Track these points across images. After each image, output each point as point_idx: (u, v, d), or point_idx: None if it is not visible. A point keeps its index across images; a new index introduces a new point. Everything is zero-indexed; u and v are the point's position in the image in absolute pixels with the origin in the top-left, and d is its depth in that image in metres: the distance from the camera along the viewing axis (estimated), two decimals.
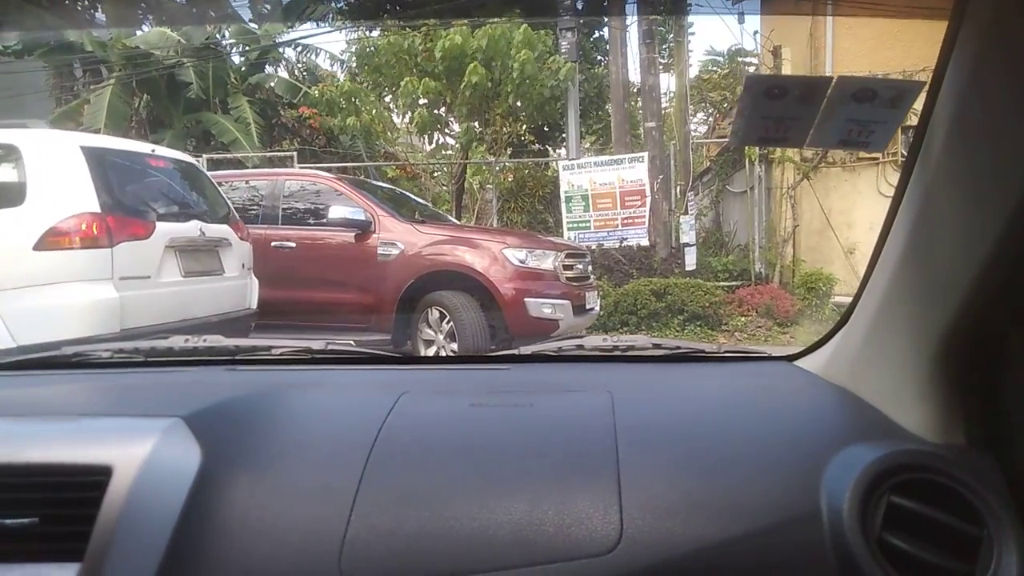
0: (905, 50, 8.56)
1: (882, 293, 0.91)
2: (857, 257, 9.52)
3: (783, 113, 0.82)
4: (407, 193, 8.10)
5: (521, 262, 5.57)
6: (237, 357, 1.36)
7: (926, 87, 0.74)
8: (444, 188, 12.44)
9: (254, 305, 5.21)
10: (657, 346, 1.37)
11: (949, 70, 0.68)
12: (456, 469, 0.89)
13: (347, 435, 0.97)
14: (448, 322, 5.44)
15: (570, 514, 0.82)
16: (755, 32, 13.77)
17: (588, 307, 6.10)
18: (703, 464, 0.88)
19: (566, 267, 5.83)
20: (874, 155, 9.06)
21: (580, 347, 1.38)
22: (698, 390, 1.14)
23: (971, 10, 0.63)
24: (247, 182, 6.58)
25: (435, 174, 13.21)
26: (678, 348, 1.38)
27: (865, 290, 0.98)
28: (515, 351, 1.42)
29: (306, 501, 0.86)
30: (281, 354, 1.35)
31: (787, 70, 9.48)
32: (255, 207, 6.30)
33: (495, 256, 5.56)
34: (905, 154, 1.08)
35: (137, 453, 0.84)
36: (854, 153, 9.04)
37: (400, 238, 5.74)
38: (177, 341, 1.40)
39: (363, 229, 5.76)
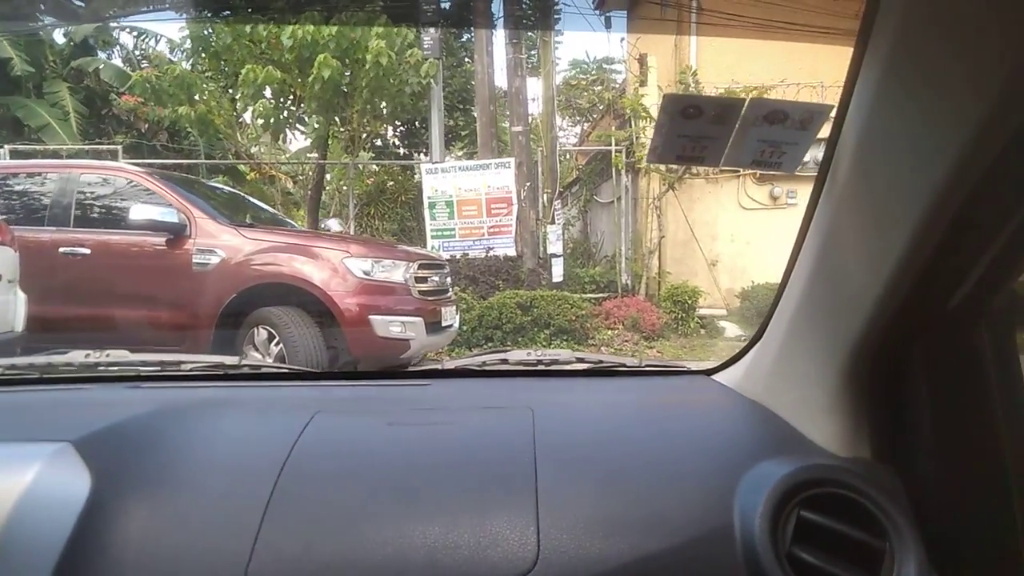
0: (766, 65, 8.67)
1: (793, 309, 0.93)
2: (719, 269, 9.58)
3: (699, 132, 0.84)
4: (242, 194, 7.15)
5: (366, 274, 4.86)
6: (142, 373, 1.32)
7: (834, 110, 0.75)
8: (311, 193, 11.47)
9: (19, 327, 4.14)
10: (580, 360, 1.39)
11: (855, 93, 0.69)
12: (370, 492, 0.87)
13: (255, 457, 0.94)
14: (278, 343, 4.63)
15: (487, 536, 0.81)
16: (622, 39, 13.85)
17: (445, 324, 5.48)
18: (622, 480, 0.88)
19: (420, 279, 5.19)
20: (735, 168, 9.12)
21: (504, 361, 1.38)
22: (619, 405, 1.15)
23: (876, 34, 0.62)
24: (29, 175, 5.42)
25: (298, 177, 12.19)
26: (600, 362, 1.40)
27: (778, 306, 1.00)
28: (437, 366, 1.43)
29: (208, 529, 0.83)
30: (191, 370, 1.32)
31: (653, 79, 9.40)
32: (39, 205, 5.17)
33: (335, 267, 4.82)
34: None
35: (16, 483, 0.80)
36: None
37: (221, 244, 4.85)
38: (77, 356, 1.34)
39: (175, 233, 4.83)
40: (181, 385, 1.28)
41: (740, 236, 9.49)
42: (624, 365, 1.40)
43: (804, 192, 9.49)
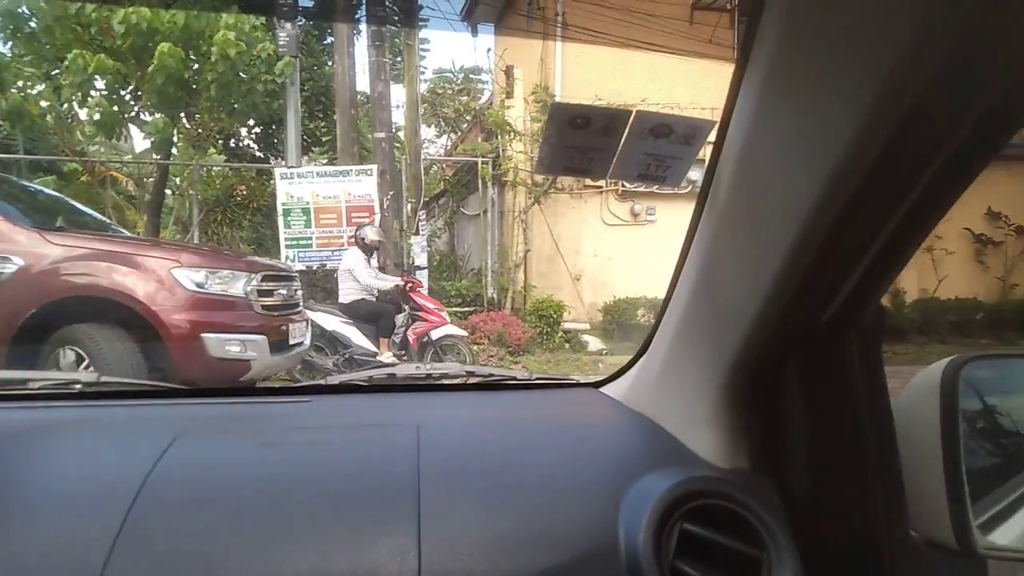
0: (627, 84, 8.88)
1: (676, 323, 0.94)
2: (583, 284, 9.67)
3: (587, 144, 0.83)
4: (63, 197, 6.28)
5: (199, 286, 4.33)
6: None
7: (717, 125, 0.76)
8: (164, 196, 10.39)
9: None
10: (470, 374, 1.38)
11: (735, 110, 0.70)
12: (236, 522, 0.80)
13: (104, 486, 0.84)
14: (88, 366, 4.00)
15: (364, 564, 0.77)
16: (488, 50, 13.78)
17: (294, 342, 5.02)
18: (508, 498, 0.86)
19: (264, 292, 4.71)
20: (598, 183, 9.29)
21: (391, 376, 1.37)
22: (507, 420, 1.14)
23: (755, 51, 0.63)
24: None
25: (146, 179, 11.04)
26: (491, 376, 1.39)
27: (662, 320, 1.01)
28: (321, 381, 1.38)
29: (46, 568, 0.75)
30: (40, 388, 1.19)
31: (519, 90, 9.36)
32: None
33: (162, 278, 4.25)
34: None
35: None
36: (580, 180, 9.18)
37: (19, 250, 4.14)
38: None
39: None
40: (28, 405, 1.14)
41: (603, 251, 9.64)
42: (514, 379, 1.40)
43: (663, 209, 9.81)
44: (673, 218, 9.76)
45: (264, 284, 4.72)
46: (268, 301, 4.73)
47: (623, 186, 9.37)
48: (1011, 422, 0.91)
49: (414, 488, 0.85)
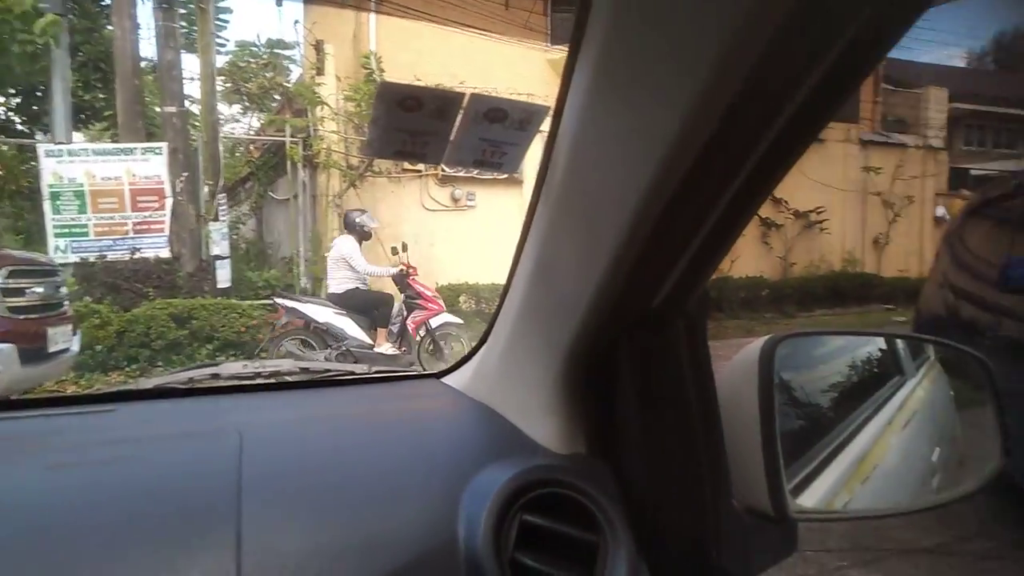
0: (442, 66, 8.66)
1: (515, 311, 0.94)
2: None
3: (419, 127, 0.79)
4: None
5: None
6: None
7: (551, 111, 0.76)
8: None
9: None
10: (304, 371, 1.31)
11: (569, 95, 0.69)
12: (13, 562, 0.69)
13: None
14: None
15: None
16: (296, 22, 12.91)
17: (55, 349, 4.27)
18: (340, 503, 0.80)
19: (11, 292, 3.93)
20: (416, 167, 9.02)
21: (215, 376, 1.27)
22: (341, 418, 1.06)
23: (587, 36, 0.62)
24: None
25: None
26: (327, 371, 1.32)
27: (501, 308, 1.01)
28: (128, 386, 1.23)
29: None
30: None
31: (330, 67, 8.82)
32: None
33: None
34: None
35: None
36: (399, 164, 8.86)
37: None
38: None
39: None
40: None
41: (424, 237, 9.39)
42: (352, 373, 1.32)
43: (483, 195, 9.76)
44: (493, 203, 9.75)
45: (11, 281, 3.94)
46: (17, 301, 3.96)
47: (443, 170, 9.18)
48: (818, 392, 0.98)
49: (234, 503, 0.78)
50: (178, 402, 1.15)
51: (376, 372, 1.32)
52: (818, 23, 0.51)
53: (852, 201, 13.04)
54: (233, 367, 1.28)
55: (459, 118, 0.79)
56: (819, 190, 12.61)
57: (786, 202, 12.25)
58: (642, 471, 0.87)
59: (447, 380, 1.21)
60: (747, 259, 12.04)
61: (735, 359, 0.88)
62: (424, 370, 1.35)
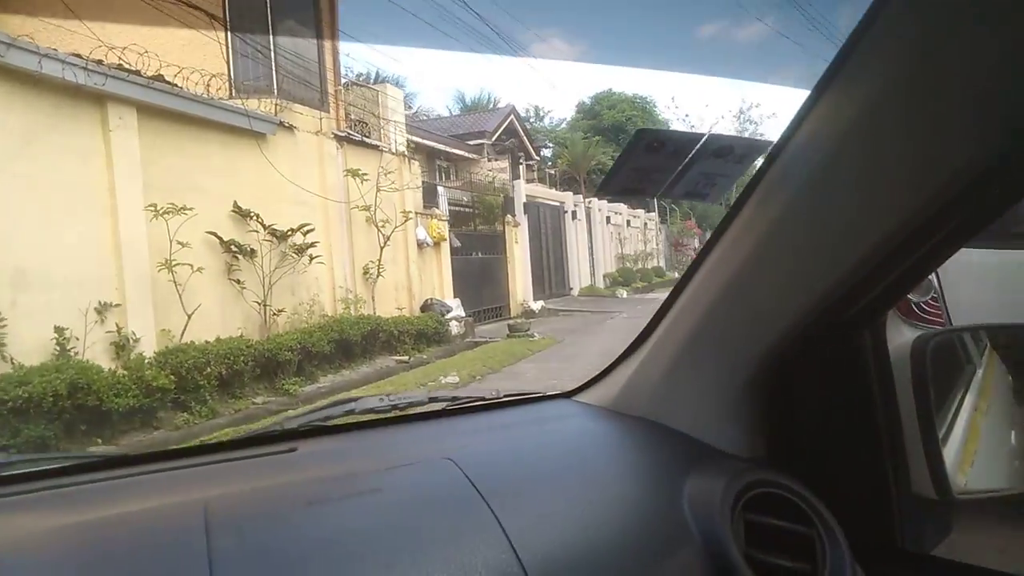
0: None
1: (691, 325, 0.99)
2: None
3: (651, 165, 0.86)
4: None
5: None
6: None
7: (771, 147, 0.81)
8: None
9: None
10: (433, 399, 1.30)
11: (799, 133, 0.76)
12: None
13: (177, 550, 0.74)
14: None
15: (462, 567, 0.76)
16: None
17: None
18: (581, 513, 0.87)
19: None
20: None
21: (350, 411, 1.22)
22: (519, 440, 1.12)
23: (836, 84, 0.69)
24: None
25: None
26: (455, 399, 1.31)
27: (663, 323, 1.06)
28: (275, 428, 1.19)
29: None
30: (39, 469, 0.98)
31: None
32: None
33: None
34: None
35: None
36: None
37: None
38: None
39: None
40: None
41: None
42: (483, 399, 1.31)
43: None
44: None
45: None
46: None
47: None
48: (964, 386, 1.11)
49: (490, 515, 0.83)
50: (340, 438, 1.14)
51: (505, 397, 1.31)
52: None
53: (336, 217, 9.52)
54: (370, 401, 1.23)
55: (690, 156, 0.85)
56: (299, 202, 8.68)
57: (258, 216, 7.88)
58: (828, 470, 0.94)
59: (582, 399, 1.26)
60: (209, 308, 7.22)
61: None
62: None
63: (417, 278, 11.19)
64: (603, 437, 1.11)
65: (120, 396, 5.41)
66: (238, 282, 7.56)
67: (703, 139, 0.84)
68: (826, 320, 0.84)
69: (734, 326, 0.93)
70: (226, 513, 0.80)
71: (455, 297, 12.06)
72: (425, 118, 25.76)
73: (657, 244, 28.24)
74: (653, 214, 28.43)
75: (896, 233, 0.69)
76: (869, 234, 0.71)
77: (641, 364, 1.11)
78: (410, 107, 20.84)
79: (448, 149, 21.51)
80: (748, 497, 0.85)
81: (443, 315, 10.77)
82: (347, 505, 0.84)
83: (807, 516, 0.84)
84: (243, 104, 8.10)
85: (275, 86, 8.80)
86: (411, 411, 1.23)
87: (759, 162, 0.84)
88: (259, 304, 7.80)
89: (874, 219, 0.70)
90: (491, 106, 31.46)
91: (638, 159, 0.84)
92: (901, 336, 0.97)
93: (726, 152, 0.85)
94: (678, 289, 1.00)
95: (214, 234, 7.32)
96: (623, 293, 19.52)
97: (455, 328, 10.74)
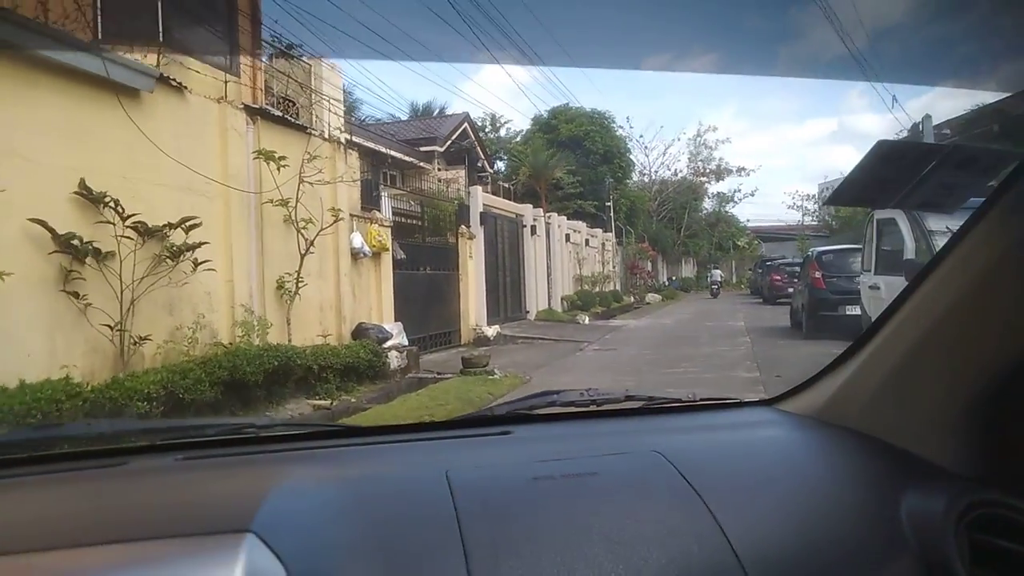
0: None
1: (915, 338, 0.96)
2: None
3: (888, 176, 0.86)
4: None
5: None
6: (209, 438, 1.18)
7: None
8: None
9: None
10: (630, 397, 1.34)
11: None
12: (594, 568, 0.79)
13: (427, 512, 0.87)
14: None
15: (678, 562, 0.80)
16: None
17: None
18: (794, 516, 0.88)
19: None
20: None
21: (552, 404, 1.30)
22: (726, 441, 1.13)
23: None
24: None
25: None
26: (651, 399, 1.36)
27: (882, 334, 1.03)
28: (487, 411, 1.32)
29: None
30: (270, 431, 1.23)
31: None
32: None
33: None
34: None
35: None
36: None
37: None
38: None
39: None
40: (259, 449, 1.14)
41: None
42: (679, 400, 1.36)
43: None
44: None
45: None
46: None
47: None
48: None
49: (701, 504, 0.86)
50: (553, 426, 1.25)
51: (701, 400, 1.34)
52: None
53: (240, 211, 7.20)
54: (570, 395, 1.29)
55: (931, 167, 0.84)
56: (186, 188, 6.35)
57: (116, 202, 5.52)
58: None
59: (785, 407, 1.26)
60: (25, 334, 4.82)
61: None
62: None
63: (350, 296, 8.89)
64: (812, 446, 1.12)
65: None
66: (77, 295, 5.18)
67: (947, 149, 0.85)
68: None
69: (966, 338, 0.91)
70: (464, 479, 0.91)
71: (396, 321, 9.81)
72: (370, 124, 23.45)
73: (614, 266, 26.54)
74: (610, 234, 26.78)
75: None
76: None
77: (854, 375, 1.11)
78: (353, 112, 18.63)
79: (395, 154, 19.29)
80: (972, 516, 0.83)
81: (380, 343, 8.53)
82: (569, 484, 0.93)
83: None
84: (111, 50, 5.78)
85: (160, 28, 6.45)
86: (608, 407, 1.31)
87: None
88: (111, 328, 5.42)
89: None
90: (443, 113, 29.44)
91: (875, 169, 0.86)
92: None
93: (971, 163, 0.86)
94: (900, 299, 1.00)
95: (41, 223, 4.94)
96: (584, 319, 17.55)
97: (395, 360, 8.50)
